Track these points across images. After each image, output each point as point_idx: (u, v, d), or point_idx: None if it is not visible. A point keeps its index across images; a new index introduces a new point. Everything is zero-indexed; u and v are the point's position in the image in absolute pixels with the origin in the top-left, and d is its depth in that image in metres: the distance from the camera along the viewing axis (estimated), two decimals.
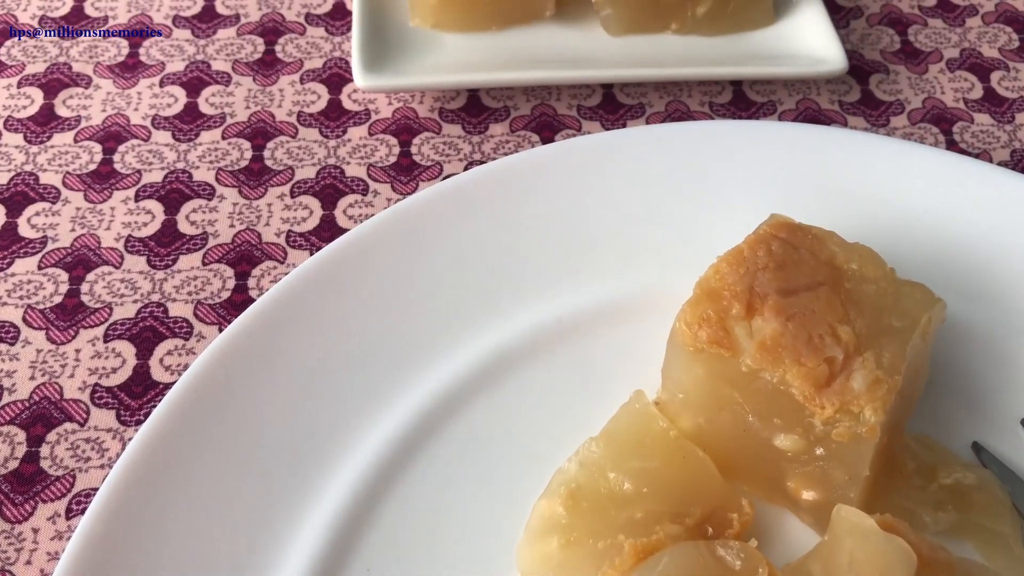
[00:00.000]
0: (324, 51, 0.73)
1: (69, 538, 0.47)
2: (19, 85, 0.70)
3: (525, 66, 0.68)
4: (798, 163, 0.60)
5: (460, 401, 0.52)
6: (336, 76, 0.72)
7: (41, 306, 0.59)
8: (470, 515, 0.49)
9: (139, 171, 0.65)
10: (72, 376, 0.56)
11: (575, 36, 0.71)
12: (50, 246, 0.61)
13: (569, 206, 0.59)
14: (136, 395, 0.56)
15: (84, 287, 0.60)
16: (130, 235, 0.62)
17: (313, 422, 0.50)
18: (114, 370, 0.56)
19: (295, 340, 0.52)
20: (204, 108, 0.69)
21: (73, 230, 0.62)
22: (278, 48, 0.73)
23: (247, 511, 0.47)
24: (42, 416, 0.55)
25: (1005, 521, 0.48)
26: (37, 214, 0.63)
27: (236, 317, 0.52)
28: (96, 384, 0.56)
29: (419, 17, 0.70)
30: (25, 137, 0.67)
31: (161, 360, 0.57)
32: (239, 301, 0.59)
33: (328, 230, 0.63)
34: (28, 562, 0.50)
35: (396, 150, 0.67)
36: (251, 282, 0.60)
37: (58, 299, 0.59)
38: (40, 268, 0.60)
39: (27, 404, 0.55)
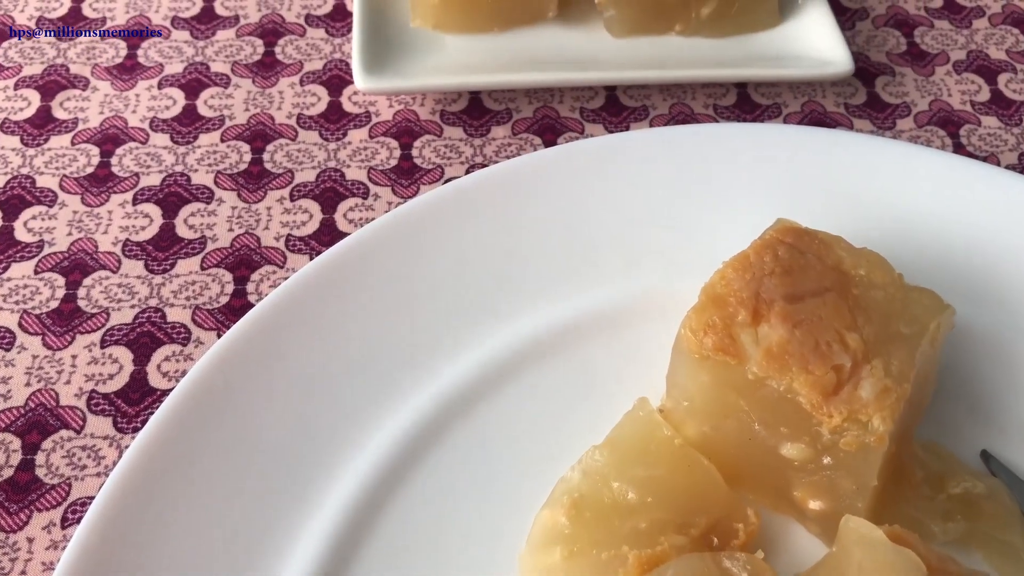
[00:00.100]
0: (324, 53, 0.73)
1: (65, 548, 0.46)
2: (16, 87, 0.69)
3: (527, 68, 0.68)
4: (803, 166, 0.60)
5: (461, 408, 0.51)
6: (336, 78, 0.71)
7: (37, 311, 0.58)
8: (471, 525, 0.48)
9: (137, 174, 0.65)
10: (68, 382, 0.55)
11: (578, 37, 0.71)
12: (47, 250, 0.61)
13: (572, 210, 0.58)
14: (133, 402, 0.55)
15: (81, 292, 0.59)
16: (128, 239, 0.61)
17: (313, 430, 0.50)
18: (111, 376, 0.56)
19: (295, 346, 0.51)
20: (203, 110, 0.69)
21: (70, 234, 0.62)
22: (278, 50, 0.73)
23: (246, 521, 0.47)
24: (38, 423, 0.54)
25: (1015, 531, 0.47)
26: (34, 218, 0.62)
27: (235, 322, 0.52)
28: (93, 391, 0.55)
29: (420, 18, 0.69)
30: (22, 140, 0.66)
31: (159, 366, 0.56)
32: (238, 306, 0.59)
33: (328, 234, 0.62)
34: (23, 572, 0.49)
35: (397, 153, 0.67)
36: (250, 287, 0.60)
37: (54, 304, 0.58)
38: (36, 272, 0.60)
39: (23, 411, 0.54)
